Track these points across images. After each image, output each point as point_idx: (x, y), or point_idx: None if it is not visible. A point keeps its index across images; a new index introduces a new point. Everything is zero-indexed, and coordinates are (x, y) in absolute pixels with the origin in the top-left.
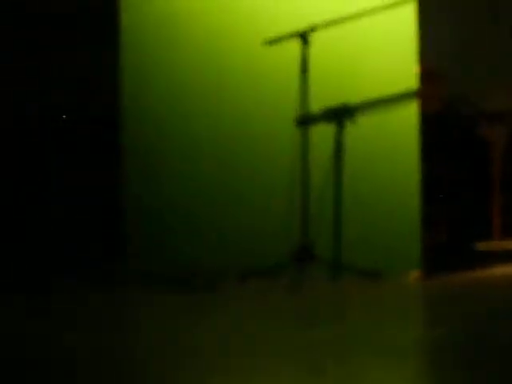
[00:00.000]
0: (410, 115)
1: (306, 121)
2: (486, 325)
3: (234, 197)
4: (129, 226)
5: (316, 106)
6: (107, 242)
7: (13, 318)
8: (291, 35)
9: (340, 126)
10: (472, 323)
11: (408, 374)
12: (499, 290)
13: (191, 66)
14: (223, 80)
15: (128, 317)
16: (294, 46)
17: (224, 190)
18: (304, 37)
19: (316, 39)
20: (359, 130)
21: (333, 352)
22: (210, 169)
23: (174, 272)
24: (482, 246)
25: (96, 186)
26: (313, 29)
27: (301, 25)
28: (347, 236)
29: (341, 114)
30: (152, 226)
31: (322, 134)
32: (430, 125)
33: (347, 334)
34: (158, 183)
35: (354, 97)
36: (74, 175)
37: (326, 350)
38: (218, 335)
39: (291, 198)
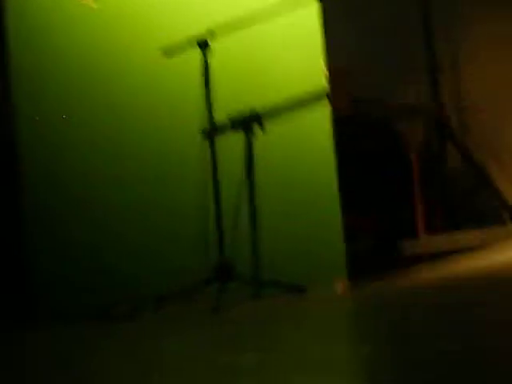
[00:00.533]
0: (321, 117)
1: (213, 132)
2: (411, 336)
3: (142, 218)
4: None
5: (223, 115)
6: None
7: None
8: (189, 42)
9: (249, 135)
10: (398, 336)
11: None
12: (424, 294)
13: (87, 84)
14: (122, 96)
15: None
16: (194, 53)
17: (132, 211)
18: (203, 43)
19: (217, 44)
20: (270, 136)
21: (258, 377)
22: (115, 191)
23: (88, 304)
24: (407, 247)
25: None
26: (211, 34)
27: (199, 31)
28: (267, 250)
29: (249, 122)
30: (58, 257)
31: (232, 144)
32: (342, 126)
33: (272, 356)
34: (59, 211)
35: (261, 103)
36: None
37: (248, 376)
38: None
39: (204, 215)
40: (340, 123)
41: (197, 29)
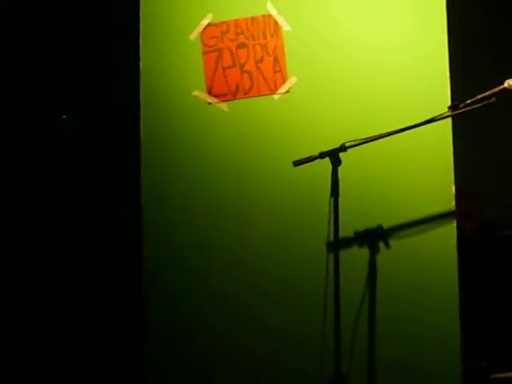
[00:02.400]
0: (446, 238)
1: (337, 245)
2: None
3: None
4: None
5: (348, 229)
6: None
7: None
8: (320, 155)
9: (373, 249)
10: None
11: None
12: None
13: (217, 187)
14: (250, 202)
15: None
16: (324, 165)
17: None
18: (333, 157)
19: (347, 157)
20: (393, 252)
21: None
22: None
23: None
24: None
25: None
26: (342, 148)
27: (330, 146)
28: (382, 366)
29: (374, 237)
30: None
31: (355, 257)
32: (467, 246)
33: None
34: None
35: (387, 218)
36: None
37: None
38: None
39: (323, 328)
40: (466, 246)
41: (327, 143)
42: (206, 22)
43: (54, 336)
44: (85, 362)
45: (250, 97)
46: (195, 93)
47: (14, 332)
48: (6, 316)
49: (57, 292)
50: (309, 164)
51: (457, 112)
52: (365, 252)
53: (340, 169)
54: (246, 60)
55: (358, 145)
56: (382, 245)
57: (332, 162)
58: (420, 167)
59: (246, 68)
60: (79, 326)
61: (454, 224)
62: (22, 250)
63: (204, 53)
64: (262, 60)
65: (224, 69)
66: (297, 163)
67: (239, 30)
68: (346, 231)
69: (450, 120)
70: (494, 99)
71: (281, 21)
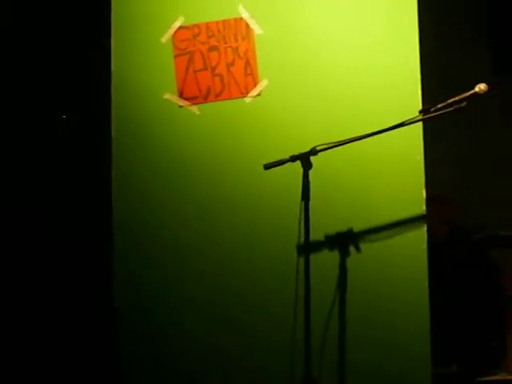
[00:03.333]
0: (417, 241)
1: (308, 248)
2: None
3: (233, 320)
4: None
5: (318, 232)
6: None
7: None
8: (290, 159)
9: (344, 252)
10: None
11: None
12: None
13: (187, 189)
14: (220, 204)
15: None
16: (295, 168)
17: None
18: (304, 160)
19: (318, 160)
20: (363, 256)
21: None
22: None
23: None
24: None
25: None
26: (313, 152)
27: (301, 149)
28: (353, 369)
29: (344, 240)
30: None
31: (326, 260)
32: (438, 251)
33: None
34: None
35: (357, 221)
36: None
37: None
38: None
39: (293, 332)
40: (436, 249)
41: (298, 146)
42: (177, 24)
43: (26, 339)
44: (59, 365)
45: (222, 100)
46: (166, 96)
47: None
48: None
49: (28, 293)
50: (280, 167)
51: (428, 116)
52: (335, 255)
53: (311, 172)
54: (218, 63)
55: (328, 148)
56: (352, 248)
57: (303, 166)
58: (391, 171)
59: (217, 71)
60: (50, 329)
61: (425, 228)
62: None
63: (175, 56)
64: (233, 63)
65: (195, 72)
66: (268, 166)
67: (210, 33)
68: (316, 234)
69: (420, 124)
70: (464, 103)
71: (252, 24)
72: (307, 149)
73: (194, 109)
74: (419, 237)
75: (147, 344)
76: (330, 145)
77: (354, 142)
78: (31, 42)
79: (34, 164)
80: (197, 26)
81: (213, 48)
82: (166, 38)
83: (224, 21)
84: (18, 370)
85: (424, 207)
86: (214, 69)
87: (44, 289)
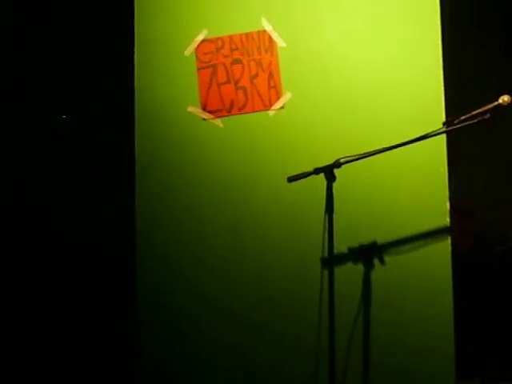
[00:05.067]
0: (441, 254)
1: (332, 261)
2: None
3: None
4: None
5: (342, 245)
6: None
7: None
8: (314, 171)
9: (368, 265)
10: None
11: None
12: None
13: (211, 202)
14: (244, 216)
15: None
16: (319, 181)
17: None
18: (328, 173)
19: (342, 173)
20: (388, 268)
21: None
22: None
23: None
24: None
25: None
26: (336, 164)
27: (324, 162)
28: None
29: (368, 253)
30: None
31: (350, 273)
32: (462, 262)
33: None
34: None
35: (381, 234)
36: None
37: None
38: None
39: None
40: (460, 261)
41: (322, 159)
42: (200, 37)
43: (45, 342)
44: (80, 368)
45: (245, 113)
46: (190, 109)
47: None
48: None
49: (49, 296)
50: (303, 180)
51: (451, 128)
52: (359, 268)
53: (334, 185)
54: (241, 76)
55: (352, 161)
56: (376, 261)
57: (326, 178)
58: (414, 183)
59: (240, 84)
60: (72, 335)
61: (449, 240)
62: (21, 250)
63: (199, 69)
64: (256, 76)
65: (219, 85)
66: (291, 179)
67: (234, 46)
68: (340, 247)
69: (444, 136)
70: (488, 115)
71: (275, 37)
72: (331, 161)
73: (218, 122)
74: (443, 249)
75: (167, 352)
76: (353, 157)
77: (378, 155)
78: (56, 53)
79: (62, 177)
80: (220, 38)
81: (236, 61)
82: (189, 51)
83: (247, 34)
84: (30, 375)
85: (448, 219)
86: (237, 82)
87: (64, 296)
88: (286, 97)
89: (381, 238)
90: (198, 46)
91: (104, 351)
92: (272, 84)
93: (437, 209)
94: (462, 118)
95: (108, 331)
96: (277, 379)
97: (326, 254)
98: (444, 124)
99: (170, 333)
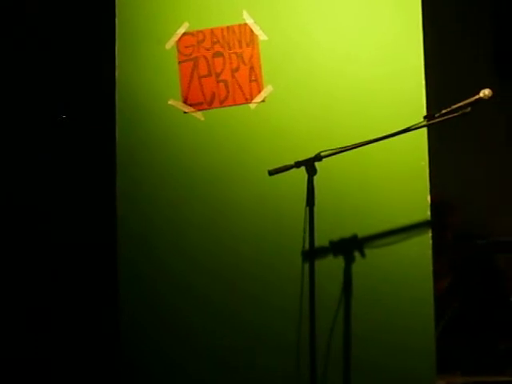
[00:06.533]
0: (421, 247)
1: (313, 254)
2: None
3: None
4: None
5: (323, 238)
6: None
7: None
8: (295, 165)
9: (348, 258)
10: None
11: None
12: None
13: (193, 194)
14: (226, 210)
15: None
16: (299, 175)
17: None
18: (309, 166)
19: (323, 166)
20: (368, 261)
21: None
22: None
23: None
24: None
25: None
26: (317, 157)
27: (305, 155)
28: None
29: (349, 246)
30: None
31: (330, 266)
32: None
33: None
34: None
35: (362, 227)
36: None
37: None
38: None
39: (298, 334)
40: (442, 251)
41: (303, 152)
42: (182, 30)
43: (29, 336)
44: (63, 366)
45: (226, 106)
46: (171, 102)
47: None
48: None
49: (31, 290)
50: (284, 173)
51: (432, 122)
52: (340, 261)
53: (315, 178)
54: (222, 69)
55: (333, 154)
56: (357, 254)
57: (307, 172)
58: (395, 177)
59: (221, 77)
60: (52, 327)
61: (430, 234)
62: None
63: (180, 62)
64: (237, 69)
65: (200, 78)
66: (272, 172)
67: (215, 39)
68: (321, 240)
69: (425, 130)
70: (469, 109)
71: (257, 30)
72: (312, 155)
73: (199, 115)
74: (424, 242)
75: (152, 344)
76: (334, 150)
77: (359, 148)
78: (33, 46)
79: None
80: (201, 32)
81: (217, 54)
82: (170, 44)
83: (228, 27)
84: (20, 371)
85: (428, 213)
86: (218, 75)
87: (48, 289)
88: (267, 90)
89: (362, 232)
90: (180, 39)
91: (85, 342)
92: (253, 77)
93: (418, 202)
94: (443, 111)
95: (91, 324)
96: (255, 371)
97: (306, 247)
98: (425, 118)
99: (151, 322)
